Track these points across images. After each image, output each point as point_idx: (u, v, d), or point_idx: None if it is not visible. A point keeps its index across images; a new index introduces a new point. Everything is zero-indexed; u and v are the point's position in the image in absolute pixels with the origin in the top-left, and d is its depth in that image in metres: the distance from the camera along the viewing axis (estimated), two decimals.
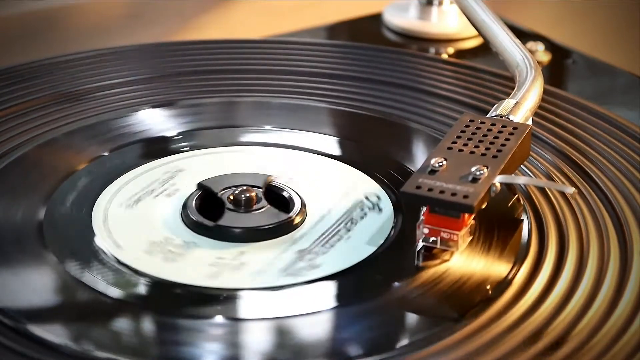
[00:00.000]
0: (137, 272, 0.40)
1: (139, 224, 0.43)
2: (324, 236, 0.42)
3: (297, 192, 0.45)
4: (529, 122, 0.46)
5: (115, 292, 0.39)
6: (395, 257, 0.41)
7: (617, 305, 0.38)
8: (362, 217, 0.44)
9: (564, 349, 0.36)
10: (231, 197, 0.43)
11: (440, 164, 0.41)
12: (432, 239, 0.41)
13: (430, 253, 0.41)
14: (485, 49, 0.58)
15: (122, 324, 0.38)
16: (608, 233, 0.42)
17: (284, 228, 0.43)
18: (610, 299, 0.39)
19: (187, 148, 0.49)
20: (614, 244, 0.42)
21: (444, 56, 0.63)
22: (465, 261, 0.41)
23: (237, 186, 0.44)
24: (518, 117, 0.45)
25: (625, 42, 0.80)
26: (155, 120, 0.51)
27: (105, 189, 0.45)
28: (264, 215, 0.43)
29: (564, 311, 0.38)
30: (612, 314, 0.38)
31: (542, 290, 0.39)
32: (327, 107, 0.53)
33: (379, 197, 0.45)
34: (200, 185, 0.44)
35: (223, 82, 0.55)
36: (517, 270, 0.40)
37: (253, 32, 0.70)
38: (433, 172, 0.41)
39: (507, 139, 0.43)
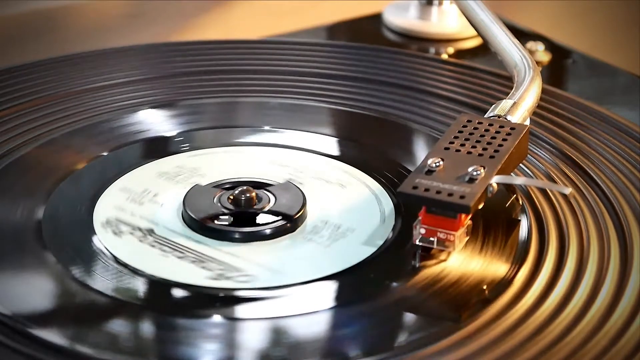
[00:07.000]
0: (136, 272, 0.40)
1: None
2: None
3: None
4: (527, 122, 0.46)
5: (114, 292, 0.39)
6: (395, 257, 0.41)
7: (618, 305, 0.38)
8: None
9: (564, 349, 0.36)
10: (231, 198, 0.43)
11: (437, 164, 0.41)
12: (429, 239, 0.41)
13: (428, 253, 0.41)
14: (485, 49, 0.58)
15: (121, 323, 0.38)
16: (608, 233, 0.42)
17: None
18: (611, 299, 0.39)
19: (187, 148, 0.49)
20: (615, 243, 0.42)
21: (444, 56, 0.63)
22: (465, 262, 0.41)
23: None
24: (516, 118, 0.45)
25: (625, 42, 0.80)
26: (155, 121, 0.51)
27: (105, 189, 0.45)
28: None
29: (564, 311, 0.38)
30: (613, 313, 0.38)
31: (542, 290, 0.39)
32: (326, 107, 0.53)
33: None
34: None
35: (223, 83, 0.55)
36: (517, 270, 0.40)
37: (253, 32, 0.70)
38: (430, 172, 0.41)
39: (504, 139, 0.43)
